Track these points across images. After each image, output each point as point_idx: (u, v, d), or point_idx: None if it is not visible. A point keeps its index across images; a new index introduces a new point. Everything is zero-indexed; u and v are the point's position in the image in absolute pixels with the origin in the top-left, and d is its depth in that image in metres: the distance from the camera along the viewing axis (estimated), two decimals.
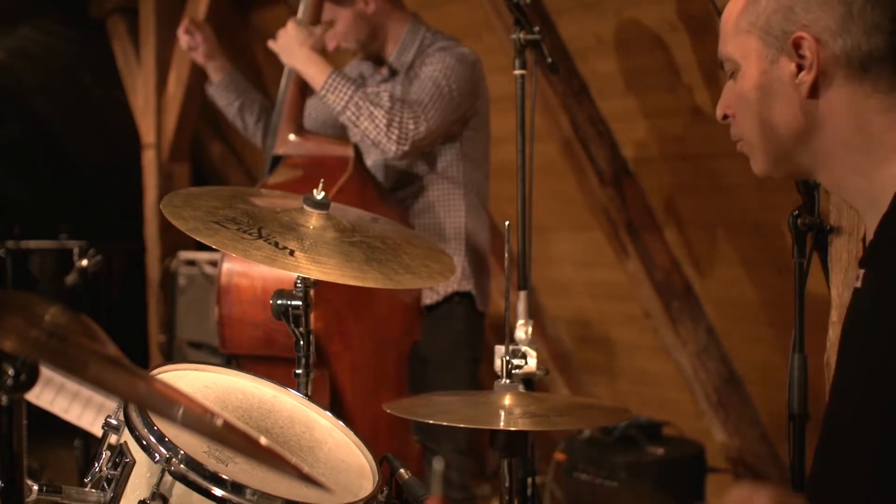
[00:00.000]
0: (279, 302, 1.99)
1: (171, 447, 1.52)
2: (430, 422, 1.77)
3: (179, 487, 1.51)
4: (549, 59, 2.49)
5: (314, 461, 1.72)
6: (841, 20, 1.33)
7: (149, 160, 5.18)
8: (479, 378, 3.06)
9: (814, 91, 1.35)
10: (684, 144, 3.43)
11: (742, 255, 3.49)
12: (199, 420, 1.21)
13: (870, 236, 1.37)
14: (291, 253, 1.82)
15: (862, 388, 1.30)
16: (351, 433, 1.83)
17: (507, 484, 1.92)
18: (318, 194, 1.96)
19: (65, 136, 6.95)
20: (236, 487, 1.50)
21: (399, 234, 2.12)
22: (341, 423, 1.85)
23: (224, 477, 1.50)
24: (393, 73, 3.02)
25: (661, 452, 3.46)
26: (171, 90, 4.98)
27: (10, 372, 1.15)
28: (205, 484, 1.50)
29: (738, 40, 1.41)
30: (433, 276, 1.99)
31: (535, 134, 2.50)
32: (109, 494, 1.56)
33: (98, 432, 1.68)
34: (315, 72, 2.82)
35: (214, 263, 4.55)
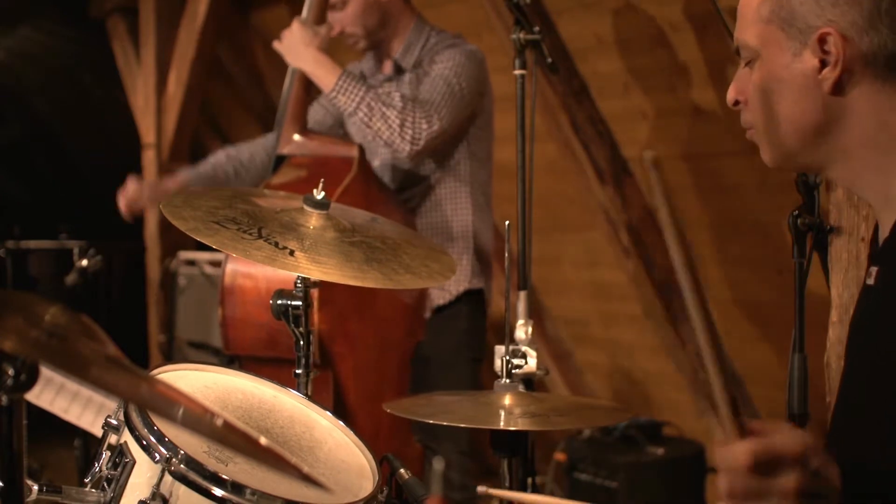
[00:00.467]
0: (279, 302, 1.99)
1: (171, 447, 1.52)
2: (431, 422, 1.77)
3: (179, 487, 1.51)
4: (549, 59, 2.49)
5: (314, 461, 1.72)
6: (869, 17, 1.30)
7: (149, 160, 5.18)
8: (481, 378, 3.06)
9: (837, 88, 1.33)
10: (684, 144, 3.43)
11: (742, 255, 3.49)
12: (199, 420, 1.21)
13: (884, 233, 1.36)
14: (291, 253, 1.82)
15: (877, 386, 1.29)
16: (351, 433, 1.83)
17: (507, 484, 1.92)
18: (318, 194, 1.96)
19: (65, 136, 6.95)
20: (236, 487, 1.50)
21: (399, 234, 2.12)
22: (341, 423, 1.85)
23: (224, 477, 1.50)
24: (398, 70, 3.01)
25: (661, 452, 3.46)
26: (171, 90, 4.98)
27: (10, 372, 1.15)
28: (205, 484, 1.50)
29: (758, 28, 1.38)
30: (433, 276, 1.99)
31: (535, 134, 2.50)
32: (109, 494, 1.56)
33: (98, 432, 1.68)
34: (324, 73, 2.81)
35: (215, 263, 4.55)
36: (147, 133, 5.18)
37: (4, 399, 1.17)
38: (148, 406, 1.47)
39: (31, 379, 1.17)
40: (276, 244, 1.83)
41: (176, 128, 5.02)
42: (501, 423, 1.76)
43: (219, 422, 1.19)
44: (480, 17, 3.65)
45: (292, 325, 1.99)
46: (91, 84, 6.55)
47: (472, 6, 3.68)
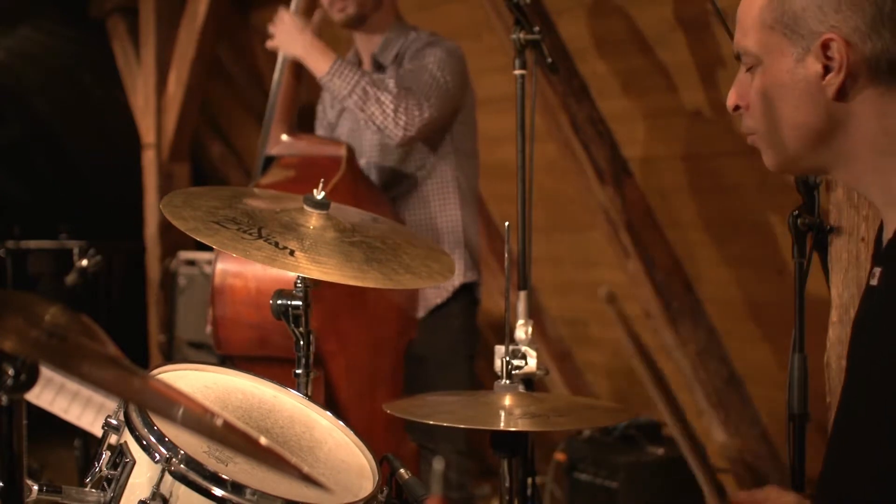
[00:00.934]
0: (279, 302, 1.99)
1: (171, 447, 1.52)
2: (431, 423, 1.77)
3: (179, 487, 1.51)
4: (549, 59, 2.49)
5: (314, 461, 1.72)
6: (871, 22, 1.30)
7: (149, 160, 5.18)
8: (476, 375, 3.07)
9: (840, 93, 1.33)
10: (684, 144, 3.43)
11: (742, 255, 3.49)
12: (199, 420, 1.21)
13: (888, 234, 1.36)
14: (291, 253, 1.82)
15: (879, 388, 1.29)
16: (351, 433, 1.83)
17: (507, 484, 1.92)
18: (318, 194, 1.97)
19: (65, 136, 6.95)
20: (236, 487, 1.50)
21: (399, 234, 2.12)
22: (341, 422, 1.85)
23: (224, 477, 1.50)
24: (378, 67, 3.03)
25: (661, 452, 3.46)
26: (171, 90, 4.98)
27: (10, 372, 1.15)
28: (205, 484, 1.50)
29: (760, 34, 1.38)
30: (433, 276, 1.99)
31: (535, 134, 2.50)
32: (109, 494, 1.56)
33: (98, 432, 1.68)
34: (319, 57, 2.82)
35: None
36: (147, 133, 5.18)
37: (4, 399, 1.17)
38: (148, 406, 1.47)
39: (31, 379, 1.17)
40: (276, 244, 1.83)
41: (176, 128, 5.02)
42: (501, 424, 1.76)
43: (219, 422, 1.19)
44: (480, 17, 3.65)
45: (292, 325, 1.99)
46: (91, 84, 6.55)
47: (472, 6, 3.68)
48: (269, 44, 2.94)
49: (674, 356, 3.78)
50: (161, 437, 1.53)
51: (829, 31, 1.31)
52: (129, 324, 5.19)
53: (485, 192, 4.46)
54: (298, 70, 2.95)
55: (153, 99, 5.09)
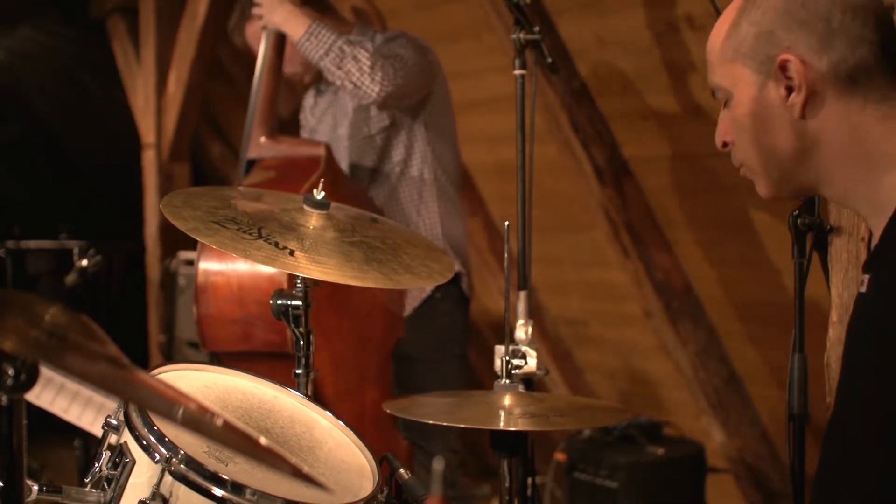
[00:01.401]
0: (279, 302, 1.99)
1: (171, 447, 1.52)
2: (431, 422, 1.77)
3: (179, 487, 1.51)
4: (549, 59, 2.49)
5: (314, 461, 1.72)
6: (822, 37, 1.33)
7: (149, 160, 5.18)
8: (472, 373, 3.07)
9: (806, 111, 1.35)
10: (684, 144, 3.43)
11: (742, 255, 3.48)
12: (199, 420, 1.21)
13: (875, 241, 1.37)
14: (291, 253, 1.82)
15: (870, 395, 1.29)
16: (351, 433, 1.83)
17: (507, 484, 1.92)
18: (319, 194, 1.97)
19: (65, 136, 6.95)
20: (236, 487, 1.50)
21: (399, 234, 2.12)
22: (341, 422, 1.85)
23: (224, 477, 1.50)
24: None
25: (661, 452, 3.46)
26: (171, 90, 4.98)
27: (10, 372, 1.15)
28: (205, 484, 1.50)
29: (725, 69, 1.43)
30: (433, 276, 1.99)
31: (535, 134, 2.50)
32: (109, 494, 1.56)
33: (98, 432, 1.68)
34: (296, 23, 2.85)
35: None
36: (147, 133, 5.18)
37: (4, 399, 1.17)
38: (148, 406, 1.47)
39: (31, 379, 1.17)
40: (276, 244, 1.83)
41: (176, 128, 5.01)
42: (501, 424, 1.76)
43: (219, 422, 1.19)
44: (480, 17, 3.65)
45: (292, 325, 2.00)
46: (91, 84, 6.55)
47: (472, 6, 3.68)
48: (261, 22, 2.96)
49: (674, 356, 3.78)
50: (161, 437, 1.53)
51: (784, 53, 1.34)
52: (129, 324, 5.19)
53: (485, 192, 4.47)
54: (278, 74, 2.98)
55: (153, 99, 5.08)
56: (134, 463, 1.55)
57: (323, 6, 3.08)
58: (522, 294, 2.44)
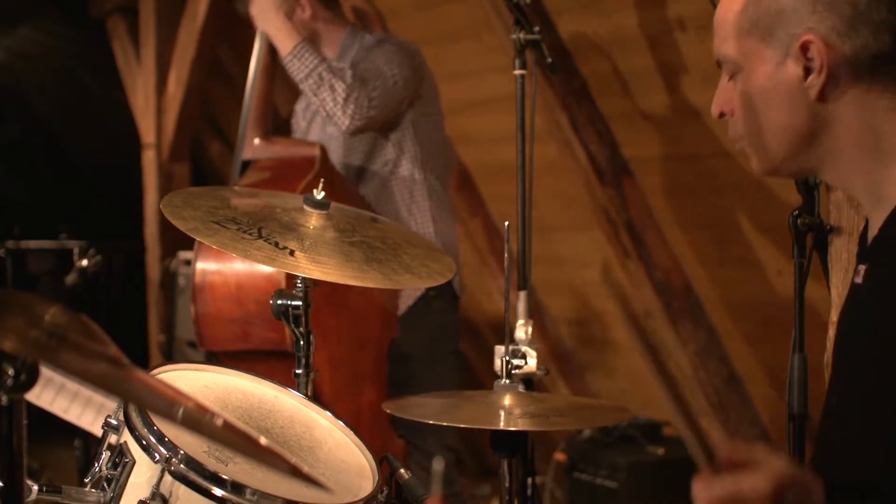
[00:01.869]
0: (279, 302, 1.99)
1: (171, 447, 1.52)
2: (431, 422, 1.77)
3: (179, 487, 1.51)
4: (549, 59, 2.49)
5: (314, 461, 1.72)
6: (848, 20, 1.29)
7: (149, 160, 5.18)
8: (469, 370, 3.08)
9: (823, 94, 1.32)
10: (684, 144, 3.43)
11: (742, 255, 3.48)
12: (199, 420, 1.21)
13: (873, 232, 1.36)
14: (291, 253, 1.82)
15: (864, 384, 1.30)
16: (351, 433, 1.83)
17: (507, 484, 1.92)
18: (318, 194, 1.97)
19: (65, 136, 6.95)
20: (236, 487, 1.50)
21: (399, 234, 2.12)
22: (341, 422, 1.85)
23: (224, 477, 1.50)
24: None
25: (661, 452, 3.46)
26: (171, 90, 4.98)
27: (10, 372, 1.15)
28: (205, 484, 1.50)
29: (739, 41, 1.37)
30: (433, 276, 1.99)
31: (535, 134, 2.50)
32: (109, 494, 1.56)
33: (98, 432, 1.68)
34: (285, 38, 2.88)
35: None
36: (147, 133, 5.18)
37: (4, 399, 1.17)
38: (148, 406, 1.47)
39: (31, 379, 1.17)
40: (276, 244, 1.83)
41: (176, 128, 5.02)
42: (501, 424, 1.76)
43: (219, 422, 1.19)
44: (480, 17, 3.65)
45: (292, 325, 2.00)
46: (91, 84, 6.55)
47: (472, 6, 3.68)
48: (252, 10, 2.98)
49: (674, 356, 3.78)
50: (161, 437, 1.53)
51: (807, 33, 1.31)
52: (129, 324, 5.19)
53: (485, 192, 4.47)
54: (272, 76, 3.00)
55: (153, 99, 5.08)
56: (134, 463, 1.55)
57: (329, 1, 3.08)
58: (522, 294, 2.44)
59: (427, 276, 1.98)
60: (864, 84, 1.32)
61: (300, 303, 1.99)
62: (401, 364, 2.92)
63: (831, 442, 1.36)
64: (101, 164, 6.82)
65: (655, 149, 3.54)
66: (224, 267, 2.65)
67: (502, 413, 1.79)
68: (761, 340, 3.57)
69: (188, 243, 4.57)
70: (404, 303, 3.00)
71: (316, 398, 2.60)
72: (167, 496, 1.51)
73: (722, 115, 1.44)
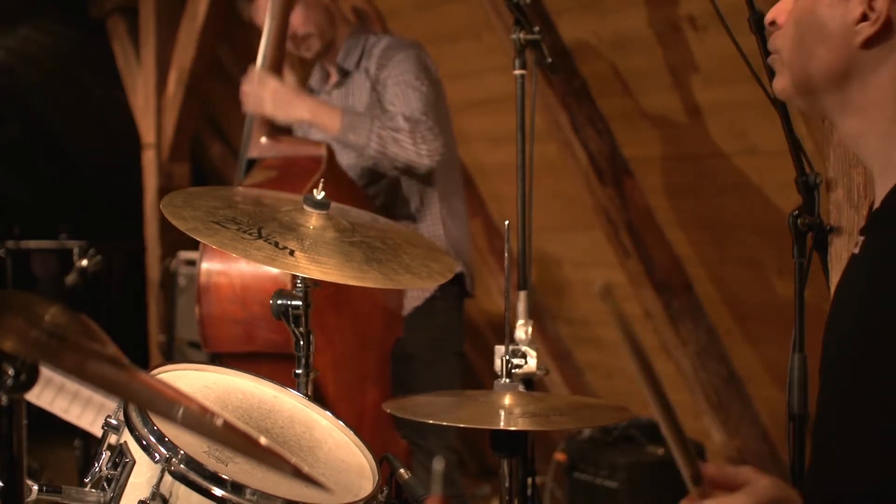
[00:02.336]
0: (279, 302, 1.99)
1: (171, 447, 1.52)
2: (431, 422, 1.77)
3: (179, 487, 1.51)
4: (549, 59, 2.49)
5: (314, 461, 1.72)
6: None
7: (149, 160, 5.18)
8: (471, 372, 3.08)
9: (867, 44, 1.31)
10: (684, 144, 3.43)
11: (742, 255, 3.48)
12: (199, 420, 1.21)
13: (877, 205, 1.36)
14: (291, 253, 1.82)
15: (855, 353, 1.29)
16: (351, 433, 1.83)
17: (507, 484, 1.92)
18: (318, 194, 1.97)
19: (65, 136, 6.96)
20: (236, 487, 1.50)
21: (399, 234, 2.12)
22: (341, 422, 1.85)
23: (224, 477, 1.50)
24: (344, 74, 3.08)
25: (661, 452, 3.46)
26: (171, 90, 4.98)
27: (10, 372, 1.15)
28: (205, 484, 1.50)
29: None
30: (433, 276, 1.99)
31: (535, 134, 2.50)
32: (109, 494, 1.56)
33: (98, 432, 1.68)
34: (326, 117, 2.86)
35: None
36: (147, 133, 5.18)
37: (4, 399, 1.17)
38: (148, 406, 1.47)
39: (31, 379, 1.17)
40: (276, 244, 1.83)
41: (176, 128, 5.02)
42: (501, 423, 1.76)
43: (219, 422, 1.19)
44: (480, 17, 3.65)
45: (292, 325, 2.00)
46: (91, 84, 6.55)
47: (472, 6, 3.68)
48: (257, 110, 2.96)
49: (674, 356, 3.78)
50: (161, 437, 1.53)
51: None
52: (129, 324, 5.19)
53: (485, 192, 4.47)
54: (278, 73, 2.98)
55: (153, 99, 5.08)
56: (134, 463, 1.55)
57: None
58: (522, 294, 2.44)
59: (427, 276, 1.98)
60: None
61: (300, 303, 1.99)
62: (404, 364, 2.91)
63: (828, 415, 1.35)
64: (101, 164, 6.83)
65: (655, 149, 3.54)
66: (229, 268, 2.64)
67: (502, 413, 1.79)
68: (761, 340, 3.57)
69: (188, 243, 4.59)
70: (411, 304, 2.99)
71: (319, 399, 2.61)
72: (167, 496, 1.51)
73: (773, 23, 1.42)
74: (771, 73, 1.97)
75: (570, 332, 4.55)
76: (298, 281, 2.00)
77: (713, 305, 3.71)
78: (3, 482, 1.20)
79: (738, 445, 3.75)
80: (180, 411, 1.20)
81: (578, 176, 3.68)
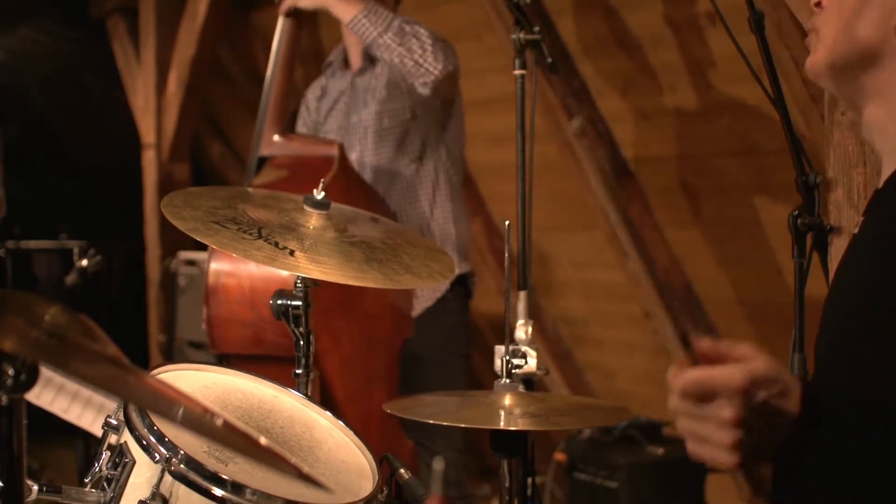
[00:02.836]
0: (279, 302, 1.99)
1: (171, 447, 1.52)
2: (431, 423, 1.77)
3: (179, 487, 1.51)
4: (549, 59, 2.49)
5: (314, 461, 1.72)
6: None
7: (149, 160, 5.18)
8: (474, 374, 3.07)
9: None
10: (685, 144, 3.43)
11: (742, 255, 3.49)
12: (199, 420, 1.21)
13: (880, 185, 1.36)
14: (291, 253, 1.82)
15: (860, 334, 1.29)
16: (351, 433, 1.83)
17: (507, 484, 1.92)
18: (318, 194, 1.97)
19: (65, 136, 6.95)
20: (236, 487, 1.50)
21: (399, 234, 2.12)
22: (341, 422, 1.85)
23: (224, 477, 1.50)
24: (371, 60, 3.05)
25: (661, 452, 3.46)
26: (171, 90, 4.98)
27: (10, 372, 1.15)
28: (205, 484, 1.50)
29: None
30: (433, 276, 1.99)
31: (535, 134, 2.50)
32: (109, 494, 1.56)
33: (98, 432, 1.68)
34: (345, 2, 2.81)
35: None
36: (147, 133, 5.18)
37: (4, 399, 1.17)
38: (148, 406, 1.47)
39: (31, 379, 1.17)
40: (276, 244, 1.83)
41: (176, 128, 5.02)
42: (501, 423, 1.76)
43: (219, 422, 1.19)
44: (480, 17, 3.65)
45: (292, 325, 1.99)
46: (91, 84, 6.55)
47: (472, 6, 3.68)
48: (284, 6, 2.93)
49: (674, 356, 3.78)
50: (161, 437, 1.53)
51: None
52: (129, 324, 5.19)
53: (485, 192, 4.47)
54: (292, 69, 2.97)
55: (153, 99, 5.09)
56: (134, 463, 1.55)
57: None
58: (522, 294, 2.44)
59: (427, 276, 1.97)
60: None
61: (300, 303, 1.99)
62: (412, 365, 2.91)
63: (825, 394, 1.35)
64: (101, 164, 6.82)
65: (655, 149, 3.54)
66: (238, 269, 2.63)
67: (502, 413, 1.79)
68: (761, 340, 3.57)
69: (188, 243, 4.59)
70: (421, 304, 2.98)
71: (327, 401, 2.61)
72: (167, 496, 1.51)
73: (818, 4, 1.44)
74: (773, 74, 1.98)
75: (570, 332, 4.55)
76: (298, 281, 2.00)
77: (713, 305, 3.71)
78: (3, 482, 1.20)
79: None
80: (180, 411, 1.20)
81: (578, 176, 3.68)
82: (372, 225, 2.12)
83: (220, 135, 6.30)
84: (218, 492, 1.50)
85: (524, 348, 2.27)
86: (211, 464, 1.52)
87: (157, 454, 1.52)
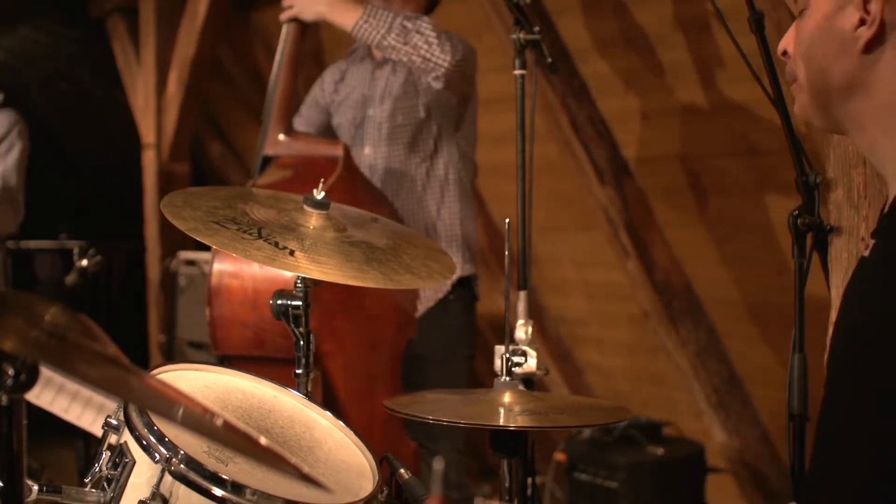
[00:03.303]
0: (279, 302, 1.99)
1: (171, 447, 1.52)
2: (430, 420, 1.77)
3: (179, 487, 1.51)
4: (549, 59, 2.49)
5: (314, 461, 1.72)
6: None
7: (149, 160, 5.18)
8: (476, 376, 3.07)
9: (869, 47, 1.33)
10: (684, 144, 3.43)
11: (742, 255, 3.49)
12: (199, 420, 1.21)
13: (887, 208, 1.36)
14: (291, 253, 1.82)
15: (866, 356, 1.29)
16: (351, 433, 1.83)
17: (507, 484, 1.92)
18: (318, 194, 1.97)
19: (65, 136, 6.95)
20: (236, 487, 1.50)
21: (399, 234, 2.12)
22: (341, 422, 1.85)
23: (224, 477, 1.50)
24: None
25: (661, 452, 3.46)
26: (171, 90, 4.98)
27: (10, 372, 1.15)
28: (205, 484, 1.50)
29: None
30: (433, 276, 1.99)
31: (535, 134, 2.50)
32: (109, 494, 1.56)
33: (98, 432, 1.68)
34: (346, 8, 2.81)
35: None
36: (147, 133, 5.18)
37: (4, 399, 1.17)
38: (148, 406, 1.47)
39: (31, 379, 1.17)
40: (276, 244, 1.83)
41: (176, 128, 5.02)
42: (501, 420, 1.76)
43: (219, 422, 1.19)
44: (480, 17, 3.65)
45: (292, 325, 1.99)
46: (91, 84, 6.55)
47: (472, 6, 3.68)
48: (285, 15, 2.93)
49: (674, 356, 3.78)
50: (161, 437, 1.53)
51: None
52: (129, 324, 5.19)
53: (485, 192, 4.47)
54: (297, 68, 2.95)
55: (153, 99, 5.09)
56: (134, 463, 1.55)
57: None
58: (522, 294, 2.44)
59: (427, 275, 1.97)
60: None
61: (300, 303, 1.99)
62: (415, 365, 2.90)
63: (831, 411, 1.36)
64: (101, 164, 6.82)
65: (655, 149, 3.54)
66: (241, 270, 2.62)
67: (502, 410, 1.79)
68: (761, 340, 3.57)
69: (188, 243, 4.59)
70: (424, 305, 2.98)
71: (330, 401, 2.60)
72: (167, 496, 1.51)
73: (785, 53, 1.46)
74: (773, 74, 1.98)
75: (570, 332, 4.55)
76: (298, 281, 1.99)
77: (713, 305, 3.71)
78: (3, 482, 1.20)
79: (738, 445, 3.75)
80: (180, 411, 1.20)
81: (578, 176, 3.68)
82: (372, 225, 2.12)
83: (220, 135, 6.30)
84: (218, 492, 1.49)
85: (524, 348, 2.27)
86: (211, 464, 1.52)
87: (157, 454, 1.52)
